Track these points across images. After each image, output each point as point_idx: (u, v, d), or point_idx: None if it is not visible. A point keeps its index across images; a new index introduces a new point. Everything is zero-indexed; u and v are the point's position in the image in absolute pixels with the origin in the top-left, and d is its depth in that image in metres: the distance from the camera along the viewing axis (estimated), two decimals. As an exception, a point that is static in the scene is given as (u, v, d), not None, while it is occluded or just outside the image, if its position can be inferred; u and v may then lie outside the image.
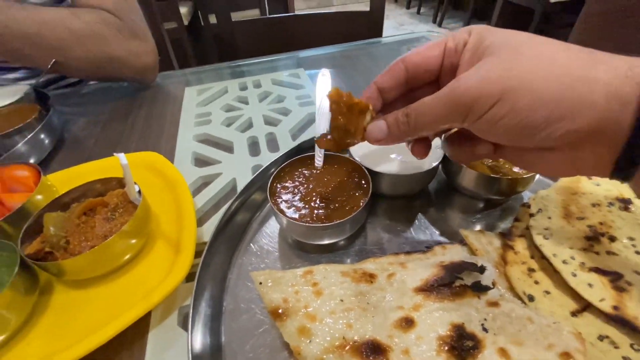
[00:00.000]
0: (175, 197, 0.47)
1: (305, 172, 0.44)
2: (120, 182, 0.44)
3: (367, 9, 1.20)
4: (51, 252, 0.37)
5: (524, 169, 0.41)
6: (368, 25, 1.22)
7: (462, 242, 0.36)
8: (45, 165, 0.63)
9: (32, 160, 0.61)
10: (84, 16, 0.70)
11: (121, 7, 0.74)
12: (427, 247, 0.35)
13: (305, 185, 0.42)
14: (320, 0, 4.07)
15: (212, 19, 2.02)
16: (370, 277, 0.31)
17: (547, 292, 0.31)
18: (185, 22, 1.98)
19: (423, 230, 0.43)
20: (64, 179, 0.51)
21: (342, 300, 0.29)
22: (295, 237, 0.41)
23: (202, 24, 2.18)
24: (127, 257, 0.39)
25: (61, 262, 0.34)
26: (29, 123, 0.62)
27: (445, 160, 0.44)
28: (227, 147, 0.63)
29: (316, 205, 0.40)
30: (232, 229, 0.42)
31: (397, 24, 3.84)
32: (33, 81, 0.85)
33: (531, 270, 0.33)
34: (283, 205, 0.40)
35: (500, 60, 0.26)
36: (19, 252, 0.35)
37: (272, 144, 0.63)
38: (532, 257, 0.34)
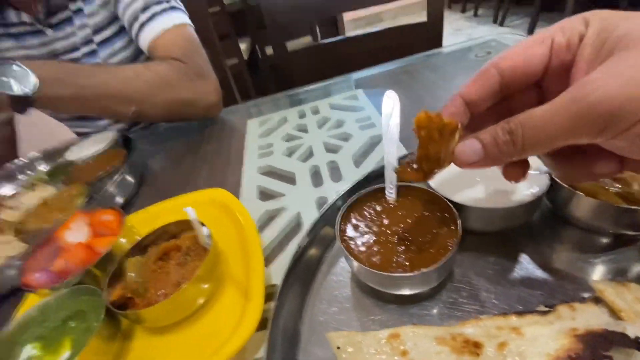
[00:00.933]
0: (242, 236, 0.46)
1: (377, 207, 0.40)
2: (191, 225, 0.44)
3: (421, 19, 1.14)
4: (132, 297, 0.38)
5: None
6: (427, 36, 1.15)
7: (596, 297, 0.28)
8: (132, 202, 0.68)
9: (120, 199, 0.67)
10: (155, 67, 0.78)
11: (187, 52, 0.81)
12: (547, 307, 0.28)
13: (379, 223, 0.38)
14: (369, 18, 4.04)
15: (269, 50, 2.14)
16: (475, 347, 0.25)
17: None
18: (245, 57, 2.13)
19: (529, 276, 0.35)
20: (143, 219, 0.54)
21: (441, 378, 0.24)
22: (371, 285, 0.36)
23: (260, 56, 2.33)
24: (200, 301, 0.39)
25: (140, 311, 0.35)
26: (117, 167, 0.69)
27: (551, 185, 0.36)
28: (290, 179, 0.61)
29: (394, 247, 0.35)
30: (301, 273, 0.39)
31: (453, 30, 3.65)
32: (120, 125, 0.98)
33: None
34: (355, 248, 0.36)
35: None
36: (104, 300, 0.36)
37: (335, 172, 0.60)
38: None
